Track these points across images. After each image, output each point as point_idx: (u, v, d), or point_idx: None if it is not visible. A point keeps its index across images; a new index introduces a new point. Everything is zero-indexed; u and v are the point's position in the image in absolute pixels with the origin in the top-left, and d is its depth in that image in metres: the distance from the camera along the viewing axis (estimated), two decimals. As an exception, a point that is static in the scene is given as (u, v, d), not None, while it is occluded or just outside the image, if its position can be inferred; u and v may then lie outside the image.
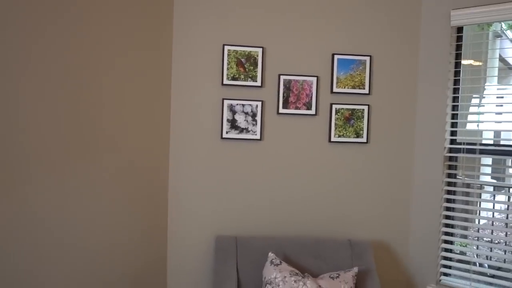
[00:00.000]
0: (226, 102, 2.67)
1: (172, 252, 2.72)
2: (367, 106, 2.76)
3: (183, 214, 2.72)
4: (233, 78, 2.67)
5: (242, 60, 2.66)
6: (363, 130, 2.76)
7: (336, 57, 2.72)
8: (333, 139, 2.75)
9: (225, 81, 2.66)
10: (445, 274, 2.76)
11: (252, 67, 2.67)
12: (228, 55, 2.65)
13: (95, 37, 2.10)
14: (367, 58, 2.74)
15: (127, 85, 2.34)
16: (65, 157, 1.96)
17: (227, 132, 2.69)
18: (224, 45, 2.65)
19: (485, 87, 2.84)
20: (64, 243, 1.97)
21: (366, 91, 2.75)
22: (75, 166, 2.02)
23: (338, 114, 2.74)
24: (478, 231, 2.71)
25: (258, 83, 2.68)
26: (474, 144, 2.64)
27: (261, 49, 2.68)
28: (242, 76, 2.67)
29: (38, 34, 1.79)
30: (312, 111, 2.73)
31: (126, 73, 2.32)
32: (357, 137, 2.76)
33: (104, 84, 2.17)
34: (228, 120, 2.68)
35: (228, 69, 2.66)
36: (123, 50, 2.30)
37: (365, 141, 2.77)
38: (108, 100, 2.21)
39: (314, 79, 2.72)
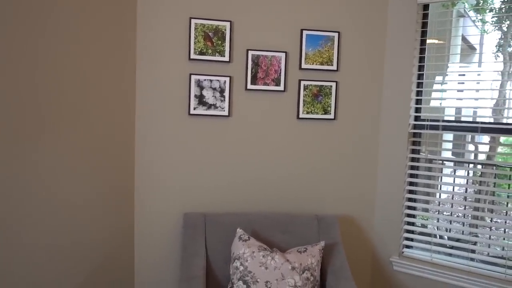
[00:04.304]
0: (193, 78, 2.61)
1: (140, 230, 2.68)
2: (335, 83, 2.77)
3: (151, 191, 2.67)
4: (201, 53, 2.60)
5: (210, 34, 2.60)
6: (330, 107, 2.78)
7: (304, 32, 2.70)
8: (301, 115, 2.75)
9: (192, 56, 2.60)
10: (407, 247, 2.86)
11: (220, 42, 2.61)
12: (195, 28, 2.58)
13: (56, 8, 1.98)
14: (336, 34, 2.74)
15: (90, 58, 2.24)
16: (27, 132, 1.87)
17: (194, 108, 2.64)
18: (191, 18, 2.58)
19: (448, 65, 2.90)
20: (27, 218, 1.90)
21: (334, 67, 2.76)
22: (37, 140, 1.93)
23: (307, 90, 2.74)
24: (439, 205, 2.81)
25: (226, 58, 2.63)
26: (437, 120, 2.72)
27: (229, 23, 2.62)
28: (210, 51, 2.61)
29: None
30: (281, 87, 2.71)
31: (89, 46, 2.22)
32: (325, 113, 2.78)
33: (66, 59, 2.07)
34: (195, 95, 2.63)
35: (195, 43, 2.59)
36: (86, 23, 2.19)
37: (332, 117, 2.79)
38: (71, 75, 2.11)
39: (283, 54, 2.69)
